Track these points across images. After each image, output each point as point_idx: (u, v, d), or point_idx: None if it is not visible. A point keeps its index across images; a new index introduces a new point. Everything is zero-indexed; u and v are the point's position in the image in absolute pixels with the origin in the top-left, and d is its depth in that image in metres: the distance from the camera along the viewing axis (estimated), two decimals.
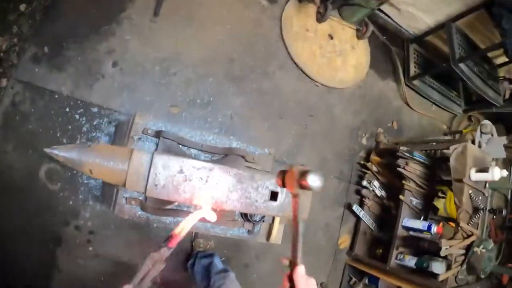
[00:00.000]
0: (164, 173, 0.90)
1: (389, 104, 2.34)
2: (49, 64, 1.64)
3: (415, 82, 2.37)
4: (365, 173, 2.08)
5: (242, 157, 1.22)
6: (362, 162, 2.09)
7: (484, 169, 1.57)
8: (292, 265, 0.61)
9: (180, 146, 1.15)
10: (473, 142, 1.85)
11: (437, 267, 1.67)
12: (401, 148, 1.87)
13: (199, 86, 1.79)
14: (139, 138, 1.15)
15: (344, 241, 2.12)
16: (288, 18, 1.98)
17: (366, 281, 2.16)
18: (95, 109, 1.66)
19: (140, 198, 1.15)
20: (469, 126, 2.87)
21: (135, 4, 1.79)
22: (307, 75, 1.97)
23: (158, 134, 1.14)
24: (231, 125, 1.81)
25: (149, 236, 1.67)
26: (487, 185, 1.65)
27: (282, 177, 0.75)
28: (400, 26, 2.41)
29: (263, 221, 1.44)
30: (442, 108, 2.62)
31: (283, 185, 0.74)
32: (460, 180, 1.59)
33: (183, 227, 0.73)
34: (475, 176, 1.58)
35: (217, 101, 1.81)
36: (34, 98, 1.61)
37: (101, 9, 1.74)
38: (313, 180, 0.66)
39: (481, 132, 2.06)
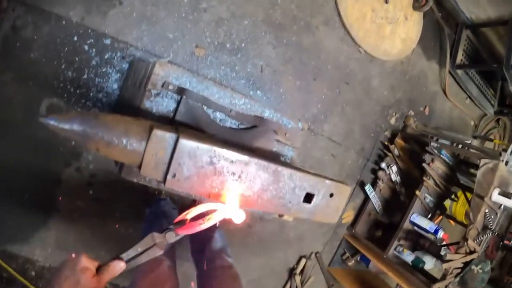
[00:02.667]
0: (189, 163, 0.74)
1: (426, 87, 2.22)
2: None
3: (459, 71, 2.23)
4: (386, 155, 2.03)
5: (274, 131, 1.10)
6: (386, 142, 2.02)
7: (507, 194, 1.54)
8: None
9: (205, 108, 1.01)
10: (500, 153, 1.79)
11: (428, 261, 1.77)
12: (432, 144, 1.81)
13: (231, 27, 1.62)
14: (157, 93, 0.96)
15: (348, 216, 2.14)
16: None
17: (358, 258, 2.24)
18: (107, 41, 1.47)
19: (159, 180, 1.01)
20: (494, 129, 2.81)
21: None
22: (352, 38, 1.81)
23: (180, 91, 0.97)
24: (260, 77, 1.69)
25: (153, 192, 1.62)
26: (502, 206, 1.63)
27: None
28: (459, 7, 2.19)
29: None
30: (475, 104, 2.52)
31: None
32: (481, 197, 1.56)
33: (203, 223, 0.63)
34: (496, 197, 1.54)
35: (249, 49, 1.65)
36: (37, 23, 1.40)
37: None
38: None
39: None
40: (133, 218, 1.66)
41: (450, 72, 2.26)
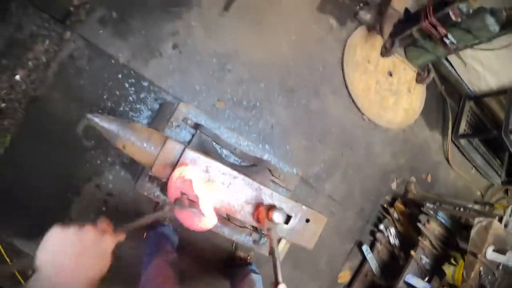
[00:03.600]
0: (190, 168, 0.94)
1: (429, 155, 2.31)
2: (113, 29, 1.75)
3: (462, 140, 2.33)
4: (385, 217, 2.08)
5: (270, 170, 1.26)
6: (385, 205, 2.08)
7: (502, 250, 1.56)
8: (276, 284, 0.73)
9: (214, 143, 1.21)
10: (500, 220, 1.82)
11: None
12: (428, 204, 1.87)
13: (249, 88, 1.84)
14: (178, 125, 1.22)
15: (344, 276, 2.12)
16: (352, 45, 1.99)
17: None
18: (145, 83, 1.76)
19: (164, 180, 1.21)
20: (503, 200, 2.79)
21: None
22: (357, 107, 1.98)
23: (196, 126, 1.20)
24: (270, 134, 1.85)
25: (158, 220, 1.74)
26: (501, 267, 1.63)
27: (257, 214, 0.85)
28: (462, 81, 2.36)
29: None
30: (481, 174, 2.56)
31: (258, 221, 0.86)
32: (475, 255, 1.59)
33: (196, 195, 0.79)
34: (491, 255, 1.57)
35: (263, 107, 1.85)
36: (91, 57, 1.73)
37: None
38: (277, 217, 0.80)
39: None
40: (136, 238, 1.76)
41: (453, 142, 2.36)
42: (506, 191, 2.81)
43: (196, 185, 0.83)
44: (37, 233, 1.76)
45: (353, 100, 1.97)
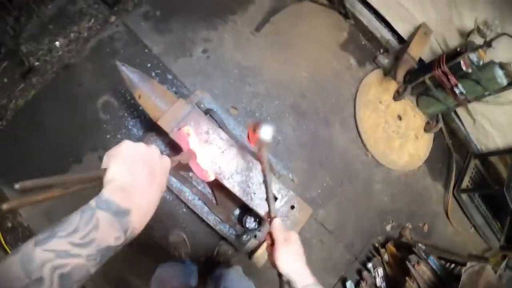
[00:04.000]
0: (193, 126, 1.03)
1: (429, 205, 2.30)
2: (154, 25, 1.96)
3: (463, 196, 2.33)
4: (375, 256, 2.03)
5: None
6: (377, 245, 2.04)
7: None
8: (269, 217, 0.67)
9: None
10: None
11: None
12: (419, 245, 1.84)
13: (264, 102, 1.95)
14: (192, 107, 1.33)
15: None
16: (367, 85, 2.11)
17: None
18: (170, 76, 1.91)
19: (165, 153, 1.27)
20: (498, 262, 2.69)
21: (245, 13, 2.06)
22: (362, 142, 2.04)
23: (207, 111, 1.30)
24: (274, 149, 1.92)
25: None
26: None
27: (247, 135, 0.86)
28: (470, 137, 2.42)
29: (255, 236, 1.49)
30: (480, 235, 2.50)
31: (250, 142, 0.85)
32: None
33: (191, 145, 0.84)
34: None
35: (273, 124, 1.92)
36: (128, 42, 1.92)
37: (217, 2, 2.03)
38: (264, 132, 0.78)
39: (507, 266, 1.96)
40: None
41: (455, 196, 2.35)
42: (504, 257, 2.71)
43: (193, 141, 0.88)
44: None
45: (359, 135, 2.04)
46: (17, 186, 0.38)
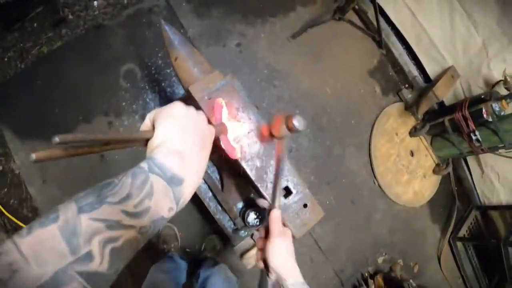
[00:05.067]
0: (225, 100, 0.98)
1: (423, 246, 2.31)
2: (195, 7, 2.00)
3: (459, 244, 2.34)
4: (361, 286, 2.00)
5: None
6: (366, 275, 2.02)
7: None
8: (270, 208, 0.64)
9: None
10: None
11: None
12: (411, 281, 1.83)
13: (285, 107, 1.97)
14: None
15: None
16: (387, 114, 2.15)
17: None
18: None
19: (196, 99, 1.26)
20: None
21: (285, 19, 2.10)
22: (372, 168, 2.06)
23: None
24: (286, 155, 1.91)
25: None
26: None
27: (268, 127, 0.83)
28: (475, 189, 2.46)
29: (252, 235, 1.46)
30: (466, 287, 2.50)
31: (270, 134, 0.82)
32: None
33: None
34: None
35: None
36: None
37: (260, 3, 2.08)
38: (299, 121, 0.73)
39: None
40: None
41: (449, 243, 2.36)
42: None
43: (226, 114, 0.88)
44: (29, 135, 1.84)
45: (371, 161, 2.06)
46: (56, 138, 0.33)
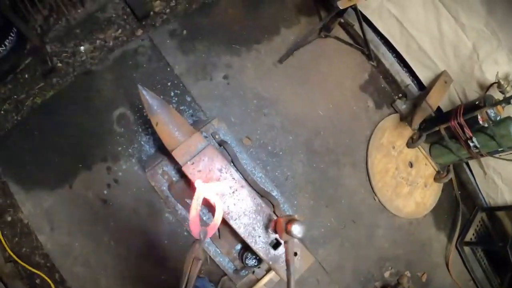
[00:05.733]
0: (206, 162, 1.05)
1: (430, 255, 2.31)
2: (179, 44, 2.02)
3: (466, 248, 2.33)
4: None
5: (273, 206, 1.33)
6: None
7: None
8: None
9: (232, 164, 1.31)
10: None
11: None
12: None
13: (278, 136, 1.99)
14: (206, 136, 1.35)
15: None
16: (382, 128, 2.14)
17: None
18: (188, 98, 1.96)
19: (174, 178, 1.31)
20: None
21: (269, 44, 2.11)
22: (371, 185, 2.07)
23: (221, 143, 1.33)
24: (283, 184, 1.95)
25: (156, 221, 1.82)
26: None
27: (274, 224, 0.88)
28: (479, 190, 2.44)
29: (253, 272, 1.51)
30: None
31: (275, 231, 0.88)
32: None
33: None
34: None
35: (284, 158, 1.97)
36: (151, 58, 1.98)
37: (243, 30, 2.08)
38: (296, 229, 0.80)
39: None
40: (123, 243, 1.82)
41: (457, 248, 2.36)
42: None
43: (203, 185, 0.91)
44: (32, 185, 1.93)
45: (369, 178, 2.06)
46: None
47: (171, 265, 1.79)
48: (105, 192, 1.83)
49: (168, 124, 1.12)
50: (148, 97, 1.13)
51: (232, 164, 1.36)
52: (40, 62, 1.93)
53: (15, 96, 1.90)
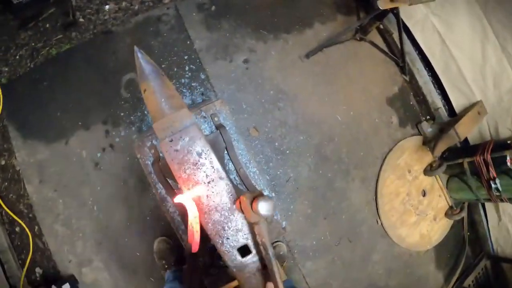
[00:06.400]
0: (186, 142, 0.92)
1: None
2: (205, 18, 1.91)
3: None
4: None
5: None
6: None
7: None
8: None
9: (225, 152, 1.19)
10: None
11: None
12: None
13: (288, 133, 1.86)
14: (204, 117, 1.23)
15: None
16: (402, 148, 1.99)
17: None
18: (203, 76, 1.85)
19: (161, 154, 1.20)
20: None
21: (299, 36, 1.97)
22: (376, 206, 1.92)
23: (219, 126, 1.19)
24: (283, 185, 1.83)
25: (142, 195, 1.76)
26: None
27: (239, 203, 0.76)
28: (489, 236, 2.25)
29: (225, 271, 1.39)
30: None
31: (242, 212, 0.75)
32: None
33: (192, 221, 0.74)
34: None
35: (290, 158, 1.85)
36: (173, 28, 1.88)
37: (275, 17, 1.96)
38: (262, 207, 0.68)
39: None
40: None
41: None
42: None
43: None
44: (30, 135, 1.89)
45: (376, 198, 1.92)
46: None
47: (148, 243, 1.71)
48: (99, 155, 1.78)
49: (157, 93, 0.99)
50: (142, 61, 1.01)
51: (226, 152, 1.23)
52: (63, 14, 1.92)
53: (33, 44, 1.89)
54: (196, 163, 0.96)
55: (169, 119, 0.97)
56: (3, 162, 1.89)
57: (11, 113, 1.84)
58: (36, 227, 1.80)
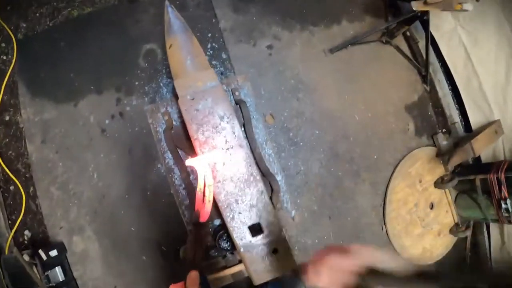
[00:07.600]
0: (209, 104, 0.87)
1: None
2: (233, 0, 1.86)
3: None
4: None
5: (272, 190, 1.14)
6: None
7: None
8: None
9: (242, 129, 1.13)
10: None
11: None
12: None
13: (304, 125, 1.82)
14: (224, 89, 1.18)
15: None
16: (415, 157, 1.94)
17: None
18: (224, 56, 1.81)
19: (174, 123, 1.14)
20: None
21: (326, 30, 1.94)
22: (383, 212, 1.87)
23: (239, 101, 1.14)
24: (292, 176, 1.78)
25: (146, 167, 1.69)
26: None
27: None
28: (490, 258, 2.19)
29: (224, 256, 1.32)
30: None
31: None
32: None
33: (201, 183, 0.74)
34: None
35: (303, 150, 1.80)
36: (200, 5, 1.88)
37: (304, 8, 1.93)
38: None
39: None
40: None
41: None
42: None
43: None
44: (40, 93, 1.87)
45: (384, 204, 1.86)
46: None
47: (145, 219, 1.64)
48: (107, 121, 1.72)
49: (183, 49, 0.96)
50: (171, 15, 0.98)
51: (243, 128, 1.17)
52: None
53: (55, 3, 1.85)
54: (217, 126, 0.90)
55: (193, 77, 0.92)
56: (7, 118, 1.83)
57: (23, 69, 1.78)
58: (31, 188, 1.73)
